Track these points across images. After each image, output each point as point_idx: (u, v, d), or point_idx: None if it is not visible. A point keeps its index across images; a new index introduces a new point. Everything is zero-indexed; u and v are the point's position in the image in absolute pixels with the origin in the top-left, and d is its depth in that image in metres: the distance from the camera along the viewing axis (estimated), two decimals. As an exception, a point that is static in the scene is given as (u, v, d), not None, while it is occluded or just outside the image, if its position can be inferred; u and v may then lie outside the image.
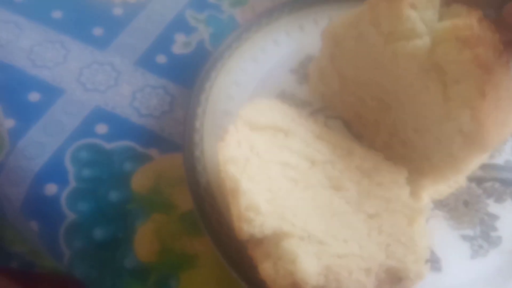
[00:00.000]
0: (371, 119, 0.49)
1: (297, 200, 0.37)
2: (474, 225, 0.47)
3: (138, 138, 0.52)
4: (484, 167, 0.48)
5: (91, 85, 0.55)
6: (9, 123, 0.52)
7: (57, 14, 0.59)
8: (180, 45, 0.59)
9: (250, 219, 0.34)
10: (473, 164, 0.44)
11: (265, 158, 0.38)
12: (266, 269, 0.34)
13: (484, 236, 0.46)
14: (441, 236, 0.46)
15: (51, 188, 0.48)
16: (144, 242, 0.46)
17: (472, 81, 0.38)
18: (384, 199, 0.40)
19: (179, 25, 0.60)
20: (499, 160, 0.50)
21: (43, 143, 0.50)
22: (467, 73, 0.39)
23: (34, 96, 0.53)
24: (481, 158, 0.46)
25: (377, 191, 0.40)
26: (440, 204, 0.47)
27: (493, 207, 0.48)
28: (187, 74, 0.55)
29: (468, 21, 0.38)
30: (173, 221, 0.47)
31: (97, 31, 0.59)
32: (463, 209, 0.48)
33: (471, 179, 0.48)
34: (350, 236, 0.37)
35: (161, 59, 0.57)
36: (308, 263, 0.33)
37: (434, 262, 0.45)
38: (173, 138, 0.51)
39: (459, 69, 0.39)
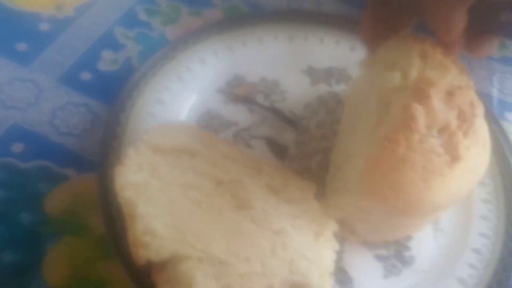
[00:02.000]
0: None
1: (199, 222, 0.37)
2: (388, 245, 0.48)
3: (56, 157, 0.50)
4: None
5: (10, 102, 0.53)
6: None
7: (-22, 28, 0.58)
8: (107, 62, 0.58)
9: (146, 244, 0.34)
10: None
11: (167, 181, 0.38)
12: (164, 293, 0.34)
13: (397, 256, 0.47)
14: (355, 256, 0.46)
15: (-41, 210, 0.46)
16: (54, 266, 0.44)
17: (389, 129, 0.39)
18: (291, 215, 0.40)
19: (107, 42, 0.59)
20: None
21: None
22: (394, 120, 0.40)
23: None
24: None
25: (285, 208, 0.41)
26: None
27: (407, 227, 0.49)
28: (112, 92, 0.54)
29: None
30: (86, 244, 0.45)
31: (21, 46, 0.58)
32: (379, 229, 0.48)
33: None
34: (253, 254, 0.37)
35: (85, 76, 0.56)
36: (205, 285, 0.33)
37: (346, 283, 0.45)
38: (93, 157, 0.50)
39: (393, 114, 0.40)
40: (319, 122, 0.55)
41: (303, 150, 0.53)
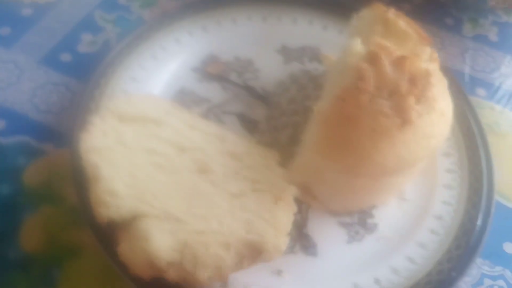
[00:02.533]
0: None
1: (160, 184, 0.39)
2: (352, 214, 0.49)
3: (35, 133, 0.52)
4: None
5: (-8, 82, 0.55)
6: None
7: (-37, 13, 0.60)
8: (86, 44, 0.60)
9: (107, 203, 0.36)
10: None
11: (131, 147, 0.40)
12: (123, 249, 0.36)
13: (361, 223, 0.49)
14: (319, 222, 0.48)
15: None
16: (30, 234, 0.46)
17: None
18: (251, 180, 0.42)
19: (87, 25, 0.61)
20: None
21: None
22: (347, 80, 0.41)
23: None
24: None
25: (246, 173, 0.42)
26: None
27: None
28: (90, 72, 0.56)
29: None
30: (61, 213, 0.47)
31: (4, 30, 0.60)
32: (344, 197, 0.50)
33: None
34: (211, 213, 0.38)
35: (65, 57, 0.58)
36: (161, 240, 0.35)
37: (310, 247, 0.47)
38: (70, 133, 0.52)
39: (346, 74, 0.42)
40: (290, 98, 0.57)
41: (273, 124, 0.54)
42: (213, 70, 0.57)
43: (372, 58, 0.40)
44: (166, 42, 0.57)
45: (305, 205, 0.49)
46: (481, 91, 0.62)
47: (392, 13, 0.46)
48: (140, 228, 0.36)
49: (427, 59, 0.45)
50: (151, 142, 0.41)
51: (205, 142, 0.43)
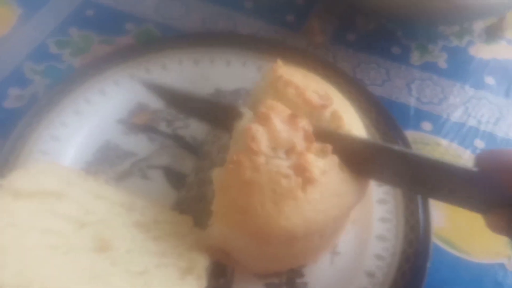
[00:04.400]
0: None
1: (53, 268, 0.36)
2: (281, 273, 0.46)
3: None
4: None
5: None
6: None
7: None
8: (13, 99, 0.58)
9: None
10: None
11: (25, 228, 0.38)
12: None
13: (289, 284, 0.46)
14: (244, 286, 0.45)
15: None
16: None
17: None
18: (157, 253, 0.40)
19: (15, 79, 0.60)
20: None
21: None
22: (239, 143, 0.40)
23: None
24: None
25: (151, 246, 0.40)
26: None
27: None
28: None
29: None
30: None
31: None
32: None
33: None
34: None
35: (-10, 115, 0.57)
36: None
37: (231, 315, 0.44)
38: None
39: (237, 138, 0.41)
40: (221, 146, 0.54)
41: (202, 177, 0.52)
42: (140, 121, 0.55)
43: (262, 118, 0.38)
44: (91, 94, 0.55)
45: (230, 268, 0.46)
46: (427, 125, 0.59)
47: (282, 83, 0.43)
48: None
49: (328, 120, 0.42)
50: (47, 220, 0.39)
51: (109, 214, 0.41)
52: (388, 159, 0.40)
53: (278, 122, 0.38)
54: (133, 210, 0.42)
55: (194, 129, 0.56)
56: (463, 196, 0.39)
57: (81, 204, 0.41)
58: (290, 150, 0.38)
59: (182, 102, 0.50)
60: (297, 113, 0.40)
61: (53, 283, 0.36)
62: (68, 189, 0.42)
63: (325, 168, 0.38)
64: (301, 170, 0.37)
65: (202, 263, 0.40)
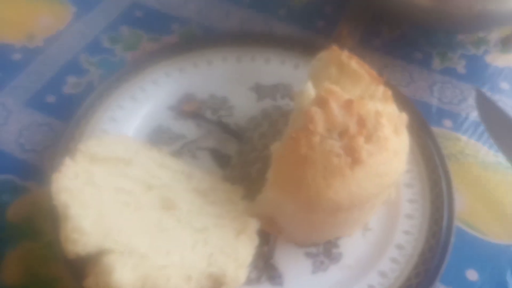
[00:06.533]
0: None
1: (126, 221, 0.41)
2: (319, 244, 0.51)
3: (19, 171, 0.56)
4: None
5: (-18, 125, 0.59)
6: None
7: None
8: (71, 86, 0.64)
9: (75, 240, 0.38)
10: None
11: (101, 186, 0.43)
12: (88, 283, 0.38)
13: (326, 253, 0.51)
14: (285, 253, 0.50)
15: None
16: (10, 267, 0.49)
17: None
18: (214, 215, 0.45)
19: (72, 68, 0.65)
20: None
21: None
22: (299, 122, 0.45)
23: None
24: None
25: (209, 209, 0.45)
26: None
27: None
28: (73, 113, 0.60)
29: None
30: (40, 248, 0.50)
31: (-4, 75, 0.64)
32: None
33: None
34: (174, 248, 0.41)
35: (50, 99, 0.62)
36: (123, 274, 0.38)
37: (276, 278, 0.49)
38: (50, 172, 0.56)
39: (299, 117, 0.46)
40: (262, 133, 0.60)
41: (244, 159, 0.57)
42: (189, 108, 0.61)
43: (321, 102, 0.44)
44: (144, 83, 0.61)
45: (273, 237, 0.51)
46: (447, 122, 0.65)
47: (345, 56, 0.49)
48: (104, 263, 0.38)
49: (380, 98, 0.48)
50: (119, 181, 0.44)
51: (172, 180, 0.46)
52: None
53: (335, 106, 0.43)
54: (192, 178, 0.47)
55: (237, 116, 0.61)
56: None
57: (147, 171, 0.46)
58: (343, 133, 0.43)
59: None
60: (357, 86, 0.45)
61: (127, 232, 0.41)
62: (135, 157, 0.47)
63: (372, 151, 0.43)
64: (351, 151, 0.43)
65: (253, 225, 0.45)
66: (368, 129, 0.44)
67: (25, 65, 0.65)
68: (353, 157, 0.42)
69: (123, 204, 0.43)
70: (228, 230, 0.44)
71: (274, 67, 0.65)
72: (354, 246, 0.51)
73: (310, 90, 0.47)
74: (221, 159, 0.57)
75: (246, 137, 0.59)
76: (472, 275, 0.52)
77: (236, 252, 0.42)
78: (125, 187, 0.44)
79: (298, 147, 0.42)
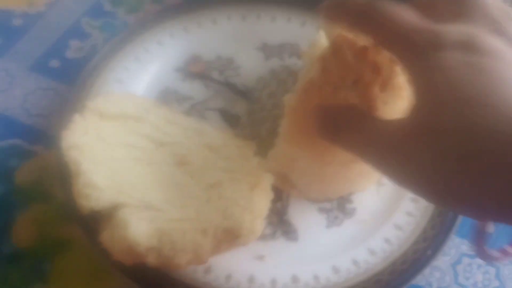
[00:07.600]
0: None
1: (139, 176, 0.41)
2: (332, 200, 0.51)
3: (26, 136, 0.55)
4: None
5: (-14, 90, 0.58)
6: None
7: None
8: (74, 50, 0.62)
9: (87, 195, 0.38)
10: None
11: (111, 142, 0.42)
12: (105, 237, 0.38)
13: (340, 208, 0.50)
14: (299, 209, 0.50)
15: None
16: (22, 230, 0.48)
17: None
18: (228, 170, 0.44)
19: (74, 32, 0.64)
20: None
21: None
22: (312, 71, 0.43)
23: None
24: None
25: (222, 164, 0.44)
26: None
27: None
28: (77, 76, 0.59)
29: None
30: (50, 210, 0.50)
31: (-4, 41, 0.63)
32: (323, 184, 0.52)
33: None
34: (188, 203, 0.40)
35: (54, 63, 0.61)
36: (140, 228, 0.37)
37: (291, 233, 0.48)
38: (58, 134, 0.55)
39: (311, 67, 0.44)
40: (271, 93, 0.59)
41: (254, 118, 0.56)
42: (195, 69, 0.60)
43: (335, 50, 0.42)
44: (149, 44, 0.60)
45: (286, 193, 0.50)
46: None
47: None
48: (119, 217, 0.38)
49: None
50: (130, 137, 0.44)
51: (183, 136, 0.46)
52: None
53: (350, 54, 0.42)
54: (203, 134, 0.47)
55: (244, 77, 0.60)
56: None
57: (158, 128, 0.45)
58: (357, 81, 0.42)
59: None
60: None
61: (141, 187, 0.40)
62: (145, 114, 0.46)
63: (387, 100, 0.42)
64: (366, 100, 0.41)
65: (268, 179, 0.44)
66: (383, 77, 0.42)
67: (26, 31, 0.64)
68: (368, 106, 0.41)
69: (135, 160, 0.42)
70: (242, 184, 0.43)
71: (280, 25, 0.63)
72: (368, 201, 0.51)
73: (322, 39, 0.46)
74: (230, 119, 0.56)
75: (255, 97, 0.58)
76: (487, 226, 0.51)
77: (251, 204, 0.42)
78: (136, 144, 0.43)
79: (311, 98, 0.41)
